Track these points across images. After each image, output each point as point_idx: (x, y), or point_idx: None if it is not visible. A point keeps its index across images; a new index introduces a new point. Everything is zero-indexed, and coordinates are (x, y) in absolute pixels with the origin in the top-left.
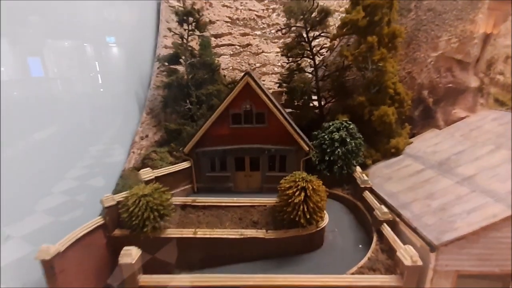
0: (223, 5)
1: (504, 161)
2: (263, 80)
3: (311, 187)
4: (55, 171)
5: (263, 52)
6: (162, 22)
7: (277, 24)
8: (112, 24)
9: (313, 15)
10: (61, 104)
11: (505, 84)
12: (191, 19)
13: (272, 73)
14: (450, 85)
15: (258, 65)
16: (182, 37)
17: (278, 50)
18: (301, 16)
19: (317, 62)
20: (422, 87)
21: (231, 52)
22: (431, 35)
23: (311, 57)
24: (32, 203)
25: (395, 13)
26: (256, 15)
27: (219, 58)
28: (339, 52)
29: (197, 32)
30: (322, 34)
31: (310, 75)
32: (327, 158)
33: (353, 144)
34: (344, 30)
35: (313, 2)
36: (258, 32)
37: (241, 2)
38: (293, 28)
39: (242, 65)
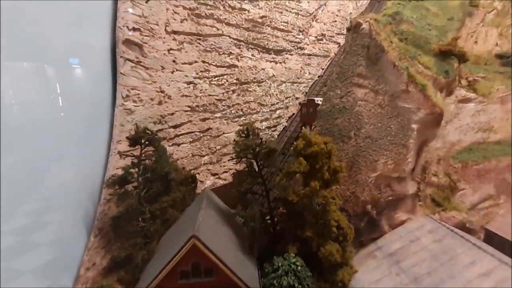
0: (182, 95)
1: None
2: (224, 162)
3: None
4: None
5: (223, 133)
6: (116, 127)
7: (238, 104)
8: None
9: (261, 151)
10: None
11: (439, 184)
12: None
13: (234, 153)
14: (390, 198)
15: (218, 147)
16: (133, 163)
17: (239, 127)
18: (251, 151)
19: (268, 186)
20: (365, 203)
21: (191, 139)
22: (370, 159)
23: (261, 183)
24: None
25: (334, 160)
26: (216, 99)
27: (178, 148)
28: (286, 192)
29: (151, 148)
30: (270, 166)
31: (262, 200)
32: None
33: None
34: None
35: (261, 141)
36: (219, 115)
37: (201, 90)
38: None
39: (202, 150)
